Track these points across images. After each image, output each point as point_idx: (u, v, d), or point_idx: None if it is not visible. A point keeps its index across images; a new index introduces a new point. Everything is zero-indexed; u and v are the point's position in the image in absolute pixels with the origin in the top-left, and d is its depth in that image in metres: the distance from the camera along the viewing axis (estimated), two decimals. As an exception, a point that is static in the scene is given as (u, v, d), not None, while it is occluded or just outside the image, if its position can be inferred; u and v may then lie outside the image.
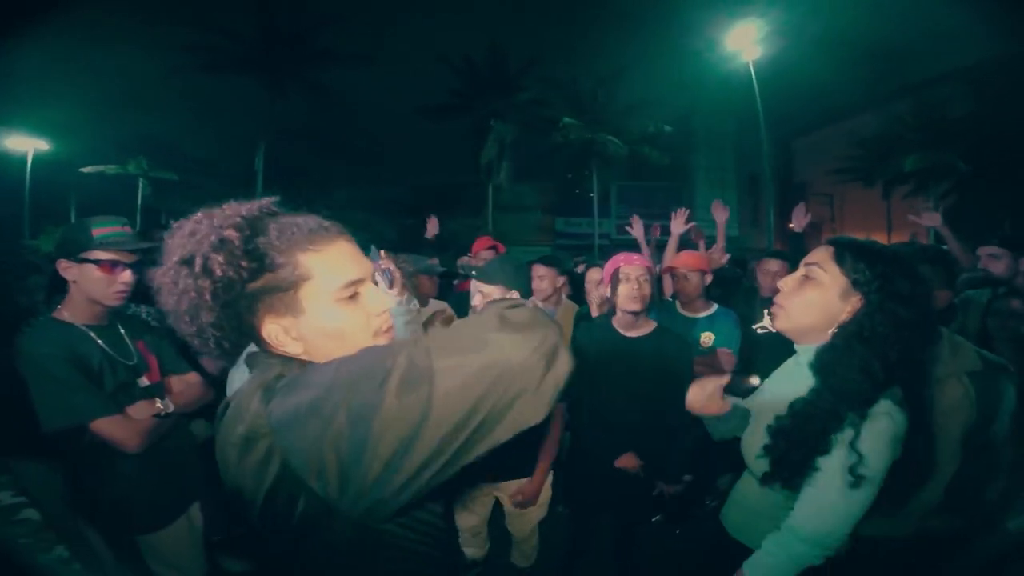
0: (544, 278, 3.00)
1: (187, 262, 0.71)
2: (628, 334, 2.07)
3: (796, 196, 26.11)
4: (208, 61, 18.21)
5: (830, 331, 1.15)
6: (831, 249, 1.17)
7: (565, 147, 20.21)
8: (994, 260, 2.41)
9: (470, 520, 2.15)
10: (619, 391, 2.04)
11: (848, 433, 1.06)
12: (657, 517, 2.85)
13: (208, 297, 0.70)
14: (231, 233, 0.72)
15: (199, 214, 0.77)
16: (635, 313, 2.02)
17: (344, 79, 19.99)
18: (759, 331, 2.81)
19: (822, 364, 1.13)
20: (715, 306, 2.69)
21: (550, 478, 2.13)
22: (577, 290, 3.86)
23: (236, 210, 0.76)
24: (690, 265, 2.59)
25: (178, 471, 1.69)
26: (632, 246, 3.28)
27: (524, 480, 2.03)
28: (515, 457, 1.97)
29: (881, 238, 21.01)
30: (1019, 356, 1.97)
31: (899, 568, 1.55)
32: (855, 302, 1.12)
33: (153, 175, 19.43)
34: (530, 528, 2.15)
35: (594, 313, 2.76)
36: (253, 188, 18.45)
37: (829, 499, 1.07)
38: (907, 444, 1.08)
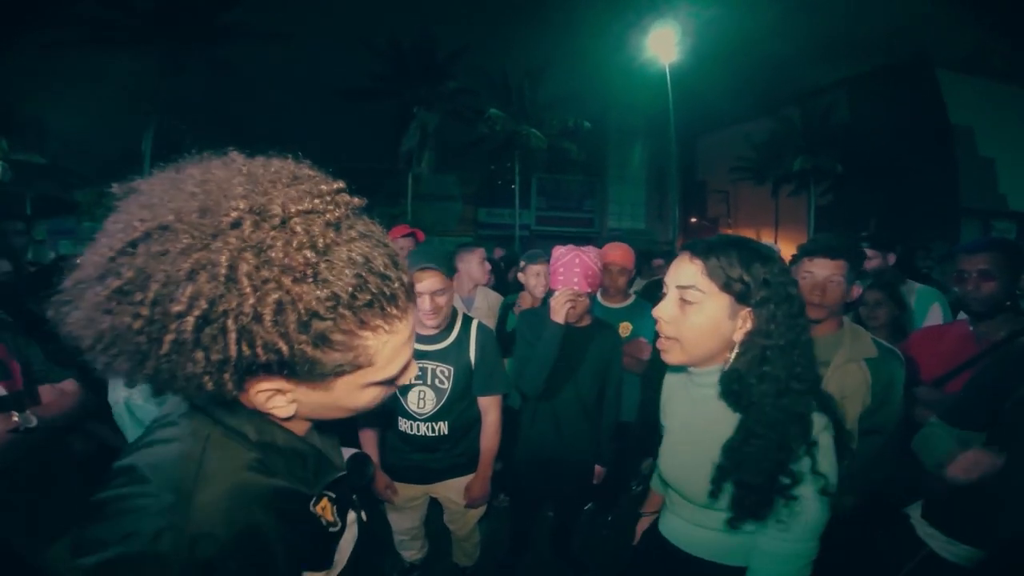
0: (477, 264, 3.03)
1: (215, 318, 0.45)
2: (571, 325, 2.06)
3: (697, 192, 28.32)
4: (91, 35, 15.93)
5: (728, 354, 1.03)
6: (700, 264, 1.00)
7: (490, 138, 20.18)
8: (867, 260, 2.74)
9: (405, 522, 2.08)
10: (564, 381, 2.06)
11: (805, 462, 0.98)
12: (589, 505, 2.96)
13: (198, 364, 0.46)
14: (291, 290, 0.46)
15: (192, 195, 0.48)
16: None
17: (255, 56, 18.42)
18: None
19: (735, 395, 1.02)
20: (633, 296, 2.82)
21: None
22: (499, 278, 3.88)
23: (290, 208, 0.48)
24: (623, 262, 2.69)
25: (47, 492, 1.49)
26: (550, 238, 3.32)
27: (463, 479, 1.99)
28: (453, 456, 1.95)
29: (769, 232, 23.32)
30: (890, 341, 2.29)
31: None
32: (745, 316, 1.00)
33: (15, 157, 16.71)
34: (472, 525, 2.14)
35: (525, 305, 2.81)
36: (138, 171, 16.47)
37: (809, 524, 1.01)
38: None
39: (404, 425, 1.90)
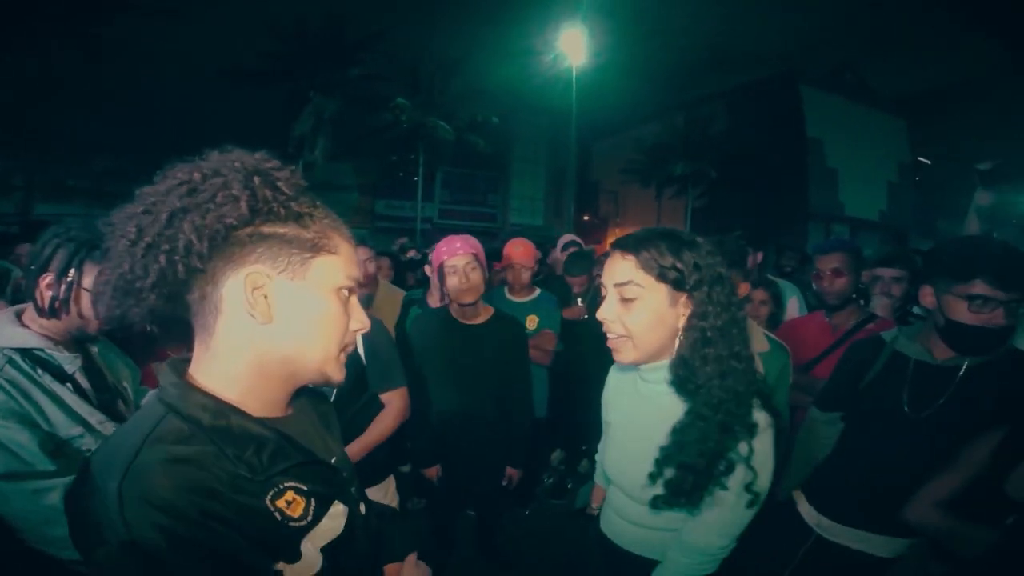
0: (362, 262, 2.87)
1: (210, 175, 0.63)
2: (468, 322, 2.04)
3: (591, 192, 29.72)
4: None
5: (675, 341, 1.04)
6: (632, 259, 1.02)
7: (393, 127, 19.46)
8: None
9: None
10: (463, 380, 2.01)
11: (743, 448, 0.99)
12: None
13: (221, 217, 0.61)
14: (273, 164, 0.67)
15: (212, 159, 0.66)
16: (470, 304, 1.97)
17: (134, 32, 15.96)
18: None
19: (682, 382, 1.02)
20: (538, 290, 2.90)
21: (392, 481, 1.98)
22: (400, 273, 3.78)
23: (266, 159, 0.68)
24: (524, 259, 2.77)
25: None
26: (454, 231, 3.27)
27: (371, 488, 1.83)
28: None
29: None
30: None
31: None
32: (684, 303, 1.02)
33: None
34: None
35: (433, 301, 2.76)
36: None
37: (729, 518, 1.03)
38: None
39: None
